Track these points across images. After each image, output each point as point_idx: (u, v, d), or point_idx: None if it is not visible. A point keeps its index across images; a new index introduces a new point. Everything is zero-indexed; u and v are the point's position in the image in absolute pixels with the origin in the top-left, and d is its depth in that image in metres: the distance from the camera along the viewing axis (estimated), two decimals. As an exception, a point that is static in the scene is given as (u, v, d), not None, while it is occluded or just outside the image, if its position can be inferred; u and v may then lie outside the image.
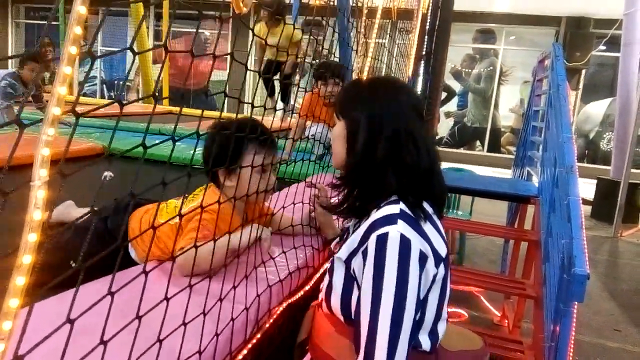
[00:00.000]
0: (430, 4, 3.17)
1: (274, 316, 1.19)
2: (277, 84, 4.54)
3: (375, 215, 0.90)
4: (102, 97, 11.71)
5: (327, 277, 0.99)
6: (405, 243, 0.83)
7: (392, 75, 2.69)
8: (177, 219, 0.84)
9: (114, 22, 10.64)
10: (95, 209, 1.67)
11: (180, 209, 0.81)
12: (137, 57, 0.52)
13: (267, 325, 1.16)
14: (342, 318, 0.93)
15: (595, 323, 2.96)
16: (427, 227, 0.89)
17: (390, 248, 0.83)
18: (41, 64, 3.70)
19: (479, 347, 1.05)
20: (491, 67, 9.94)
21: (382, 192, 0.94)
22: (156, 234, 1.28)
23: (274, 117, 1.25)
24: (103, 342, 0.54)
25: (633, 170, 5.29)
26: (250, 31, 0.97)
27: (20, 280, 0.42)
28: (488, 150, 10.11)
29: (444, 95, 7.25)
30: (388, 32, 2.53)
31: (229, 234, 1.06)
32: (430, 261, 0.85)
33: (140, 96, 9.23)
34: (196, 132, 0.65)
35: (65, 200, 1.76)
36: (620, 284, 3.73)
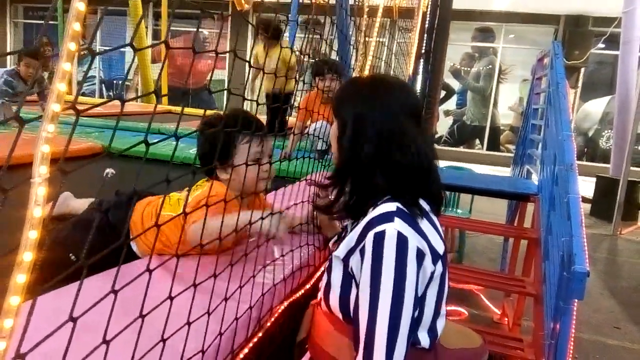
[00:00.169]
0: (430, 3, 3.17)
1: (276, 315, 1.19)
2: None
3: (372, 213, 0.90)
4: (101, 96, 11.70)
5: (325, 276, 0.99)
6: (402, 240, 0.84)
7: (392, 73, 2.69)
8: (178, 216, 0.84)
9: (112, 21, 10.62)
10: (95, 200, 1.66)
11: (185, 206, 0.81)
12: (136, 56, 0.52)
13: (269, 324, 1.16)
14: (340, 316, 0.93)
15: (595, 320, 2.96)
16: (424, 225, 0.89)
17: (388, 246, 0.83)
18: (40, 60, 3.66)
19: (478, 345, 1.06)
20: (490, 66, 9.94)
21: (372, 191, 0.94)
22: (148, 229, 1.28)
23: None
24: (105, 342, 0.54)
25: (632, 168, 5.29)
26: (249, 32, 0.97)
27: (21, 278, 0.42)
28: (487, 149, 10.12)
29: (443, 93, 7.25)
30: (388, 29, 2.53)
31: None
32: (428, 258, 0.86)
33: (139, 95, 9.23)
34: (198, 131, 0.65)
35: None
36: (619, 282, 3.73)
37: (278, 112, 4.09)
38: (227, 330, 0.95)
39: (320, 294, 1.01)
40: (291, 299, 1.29)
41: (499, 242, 3.86)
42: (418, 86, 3.29)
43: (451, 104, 10.08)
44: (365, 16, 2.03)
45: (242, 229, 1.09)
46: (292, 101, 2.46)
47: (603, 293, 3.43)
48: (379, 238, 0.84)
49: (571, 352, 1.53)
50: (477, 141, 10.32)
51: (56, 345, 0.50)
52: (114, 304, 0.55)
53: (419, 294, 0.86)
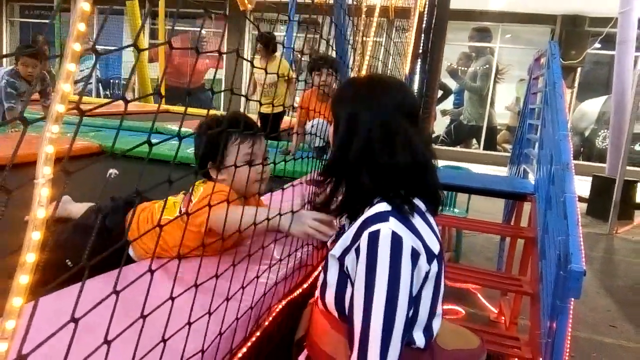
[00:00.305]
0: (427, 2, 3.17)
1: (274, 314, 1.20)
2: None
3: (368, 212, 0.90)
4: (98, 95, 11.67)
5: (322, 275, 0.99)
6: (396, 240, 0.84)
7: (389, 73, 2.70)
8: (181, 216, 0.84)
9: (110, 20, 10.59)
10: (93, 206, 1.66)
11: (187, 207, 0.81)
12: (133, 55, 0.52)
13: (267, 323, 1.16)
14: (336, 315, 0.94)
15: (591, 319, 2.98)
16: (419, 224, 0.89)
17: (382, 245, 0.84)
18: (39, 58, 3.61)
19: (476, 346, 1.06)
20: (487, 65, 9.96)
21: (360, 190, 0.94)
22: (156, 230, 1.28)
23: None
24: (107, 342, 0.54)
25: (628, 168, 5.31)
26: (246, 32, 0.98)
27: (24, 279, 0.42)
28: (484, 148, 10.14)
29: (440, 93, 7.26)
30: (385, 29, 2.53)
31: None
32: (423, 258, 0.86)
33: (136, 94, 9.20)
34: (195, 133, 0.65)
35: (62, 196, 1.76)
36: (616, 281, 3.75)
37: (276, 135, 4.13)
38: (227, 330, 0.95)
39: (317, 293, 1.02)
40: (289, 298, 1.29)
41: (496, 241, 3.87)
42: (415, 86, 3.30)
43: (448, 103, 10.10)
44: (363, 16, 2.03)
45: (260, 224, 1.09)
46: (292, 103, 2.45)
47: (599, 292, 3.45)
48: (374, 237, 0.85)
49: (568, 350, 1.54)
50: (474, 141, 10.33)
51: (56, 345, 0.50)
52: (115, 305, 0.55)
53: (414, 294, 0.86)
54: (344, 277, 0.92)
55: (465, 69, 10.14)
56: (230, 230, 1.03)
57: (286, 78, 3.54)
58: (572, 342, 1.67)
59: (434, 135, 9.61)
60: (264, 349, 1.14)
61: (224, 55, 0.80)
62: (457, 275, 2.27)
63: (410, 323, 0.87)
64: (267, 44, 3.94)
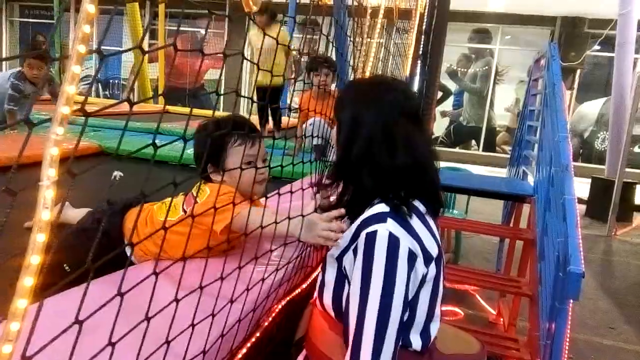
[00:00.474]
0: (427, 4, 3.18)
1: (273, 314, 1.20)
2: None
3: (366, 213, 0.91)
4: (97, 96, 11.66)
5: (320, 274, 1.00)
6: (393, 241, 0.84)
7: (390, 74, 2.70)
8: (187, 217, 0.84)
9: (109, 20, 10.56)
10: (91, 210, 1.66)
11: (193, 208, 0.82)
12: (134, 56, 0.52)
13: (267, 324, 1.16)
14: (333, 314, 0.94)
15: (590, 321, 2.98)
16: (418, 226, 0.89)
17: (379, 246, 0.84)
18: (45, 60, 3.58)
19: (476, 351, 1.06)
20: (487, 67, 9.97)
21: (361, 191, 0.94)
22: (155, 231, 1.28)
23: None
24: (111, 344, 0.54)
25: (627, 170, 5.32)
26: (246, 31, 0.98)
27: (28, 281, 0.42)
28: (483, 150, 10.14)
29: (439, 94, 7.27)
30: (385, 29, 2.54)
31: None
32: (420, 260, 0.86)
33: (135, 94, 9.19)
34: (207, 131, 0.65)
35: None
36: (614, 282, 3.75)
37: (276, 109, 4.07)
38: (228, 332, 0.95)
39: (316, 293, 1.02)
40: (289, 298, 1.30)
41: (495, 242, 3.88)
42: (415, 87, 3.30)
43: (448, 105, 10.11)
44: (367, 17, 2.04)
45: (268, 226, 1.09)
46: (290, 101, 2.45)
47: (598, 294, 3.45)
48: (371, 238, 0.85)
49: (566, 352, 1.55)
50: (473, 142, 10.34)
51: (58, 347, 0.50)
52: (120, 307, 0.55)
53: (411, 296, 0.86)
54: (342, 277, 0.92)
55: (465, 70, 10.15)
56: (250, 231, 1.06)
57: (286, 47, 3.50)
58: (571, 344, 1.68)
59: (433, 137, 9.61)
60: (263, 349, 1.14)
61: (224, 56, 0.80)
62: (456, 277, 2.27)
63: (406, 325, 0.87)
64: (273, 15, 3.90)
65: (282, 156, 1.15)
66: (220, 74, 1.03)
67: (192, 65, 10.64)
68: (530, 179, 3.22)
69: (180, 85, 10.60)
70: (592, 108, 9.58)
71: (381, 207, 0.89)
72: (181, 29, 10.53)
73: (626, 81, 5.64)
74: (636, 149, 8.88)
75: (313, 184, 1.31)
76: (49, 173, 0.42)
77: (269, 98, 3.29)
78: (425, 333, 0.92)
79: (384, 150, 0.91)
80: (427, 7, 3.20)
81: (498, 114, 10.12)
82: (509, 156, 4.48)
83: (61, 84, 0.44)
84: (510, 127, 9.84)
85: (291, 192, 1.16)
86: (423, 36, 3.27)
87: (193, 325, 0.77)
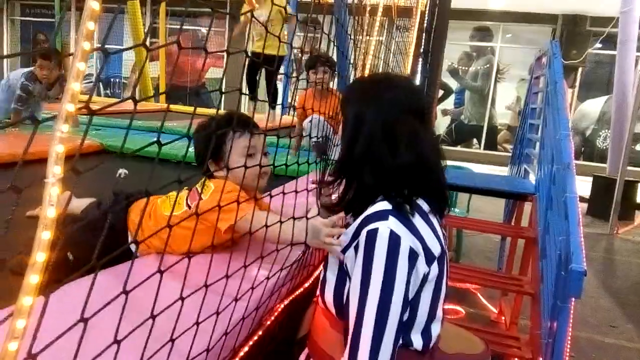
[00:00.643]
0: (429, 2, 3.18)
1: (276, 313, 1.20)
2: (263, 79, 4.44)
3: (368, 210, 0.90)
4: (99, 95, 11.65)
5: (322, 272, 0.99)
6: (394, 239, 0.83)
7: (391, 72, 2.70)
8: (192, 214, 0.85)
9: (109, 19, 10.55)
10: (94, 202, 1.66)
11: (197, 203, 0.82)
12: (135, 55, 0.53)
13: (269, 322, 1.17)
14: (334, 312, 0.94)
15: (591, 319, 2.98)
16: (420, 224, 0.88)
17: (379, 244, 0.83)
18: (56, 59, 3.56)
19: (480, 351, 1.05)
20: (488, 65, 9.95)
21: (363, 189, 0.94)
22: (159, 226, 1.28)
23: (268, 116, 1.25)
24: (117, 342, 0.54)
25: (629, 168, 5.30)
26: (246, 32, 0.98)
27: (34, 278, 0.42)
28: (485, 148, 10.13)
29: (441, 93, 7.26)
30: (387, 28, 2.54)
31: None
32: (421, 259, 0.85)
33: (136, 93, 9.20)
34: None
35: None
36: (616, 281, 3.75)
37: (270, 80, 4.01)
38: (232, 330, 0.95)
39: (318, 291, 1.02)
40: (291, 297, 1.30)
41: (497, 241, 3.88)
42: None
43: (449, 103, 10.09)
44: (367, 15, 2.04)
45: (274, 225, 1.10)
46: (291, 100, 2.46)
47: (600, 292, 3.45)
48: (372, 235, 0.84)
49: (568, 350, 1.55)
50: (475, 140, 10.33)
51: (62, 343, 0.51)
52: (124, 305, 0.55)
53: (411, 295, 0.85)
54: (343, 275, 0.92)
55: (466, 68, 10.13)
56: (260, 233, 1.08)
57: (283, 14, 3.44)
58: (573, 342, 1.68)
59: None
60: (265, 347, 1.14)
61: (224, 54, 0.80)
62: (458, 275, 2.27)
63: (407, 325, 0.87)
64: None
65: (286, 154, 1.15)
66: (224, 73, 1.03)
67: (193, 64, 10.64)
68: (532, 177, 3.22)
69: (181, 84, 10.60)
70: (594, 106, 9.56)
71: (383, 205, 0.89)
72: (183, 27, 10.51)
73: (628, 79, 5.63)
74: (638, 147, 8.87)
75: (315, 182, 1.32)
76: (55, 170, 0.42)
77: (263, 66, 3.24)
78: (426, 333, 0.91)
79: (386, 148, 0.91)
80: (428, 5, 3.19)
81: (499, 112, 10.11)
82: (510, 154, 4.47)
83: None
84: (511, 126, 9.83)
85: (296, 192, 1.16)
86: (424, 34, 3.26)
87: (198, 324, 0.77)
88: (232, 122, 1.18)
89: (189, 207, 1.32)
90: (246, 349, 1.05)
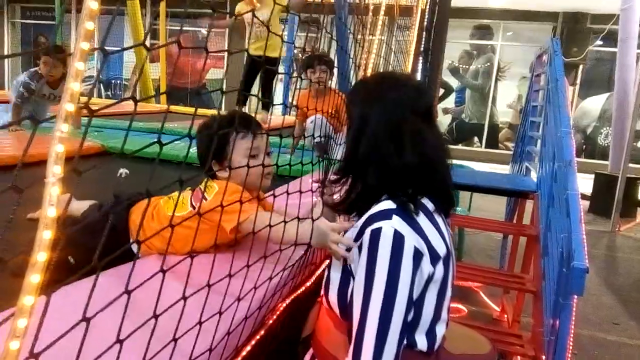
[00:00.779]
0: (429, 1, 3.18)
1: (278, 312, 1.20)
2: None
3: (373, 210, 0.90)
4: (99, 96, 11.67)
5: (326, 272, 0.99)
6: (398, 239, 0.83)
7: (394, 71, 2.70)
8: (193, 215, 0.85)
9: (109, 19, 10.54)
10: (95, 204, 1.66)
11: (201, 204, 0.82)
12: (135, 56, 0.53)
13: (271, 322, 1.17)
14: (338, 312, 0.93)
15: (594, 317, 2.98)
16: (425, 224, 0.88)
17: (383, 243, 0.83)
18: (61, 56, 3.54)
19: (487, 351, 1.04)
20: (488, 63, 9.94)
21: (367, 189, 0.94)
22: (162, 226, 1.28)
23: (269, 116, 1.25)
24: (119, 341, 0.54)
25: (631, 165, 5.30)
26: (246, 32, 0.98)
27: (35, 278, 0.43)
28: (486, 146, 10.13)
29: (441, 91, 7.26)
30: (388, 27, 2.54)
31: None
32: (426, 259, 0.84)
33: (137, 94, 9.21)
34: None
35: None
36: (618, 278, 3.75)
37: (269, 80, 3.99)
38: (234, 330, 0.95)
39: (322, 291, 1.02)
40: (293, 296, 1.30)
41: (498, 239, 3.87)
42: (417, 84, 3.30)
43: (450, 101, 10.09)
44: (370, 14, 2.04)
45: (278, 224, 1.10)
46: (291, 99, 2.46)
47: (602, 289, 3.45)
48: (376, 235, 0.84)
49: (571, 348, 1.54)
50: (476, 139, 10.33)
51: (63, 343, 0.51)
52: (127, 305, 0.55)
53: (416, 296, 0.84)
54: (347, 275, 0.91)
55: (467, 67, 10.13)
56: (264, 233, 1.08)
57: (282, 9, 3.38)
58: (575, 340, 1.68)
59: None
60: (268, 347, 1.14)
61: (225, 54, 0.80)
62: (460, 274, 2.27)
63: (411, 325, 0.86)
64: None
65: (289, 155, 1.15)
66: (225, 73, 1.03)
67: (194, 65, 10.64)
68: (533, 175, 3.22)
69: (181, 85, 10.61)
70: (595, 104, 9.55)
71: (387, 204, 0.88)
72: (184, 28, 10.53)
73: (629, 76, 5.62)
74: (639, 144, 8.86)
75: (318, 181, 1.31)
76: (55, 170, 0.42)
77: (262, 68, 3.22)
78: (431, 333, 0.90)
79: (391, 148, 0.90)
80: (428, 4, 3.19)
81: (500, 110, 10.11)
82: (511, 152, 4.47)
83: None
84: (512, 124, 9.83)
85: (300, 192, 1.16)
86: (424, 33, 3.26)
87: (200, 323, 0.77)
88: (234, 122, 1.18)
89: (194, 207, 1.32)
90: (249, 348, 1.04)
